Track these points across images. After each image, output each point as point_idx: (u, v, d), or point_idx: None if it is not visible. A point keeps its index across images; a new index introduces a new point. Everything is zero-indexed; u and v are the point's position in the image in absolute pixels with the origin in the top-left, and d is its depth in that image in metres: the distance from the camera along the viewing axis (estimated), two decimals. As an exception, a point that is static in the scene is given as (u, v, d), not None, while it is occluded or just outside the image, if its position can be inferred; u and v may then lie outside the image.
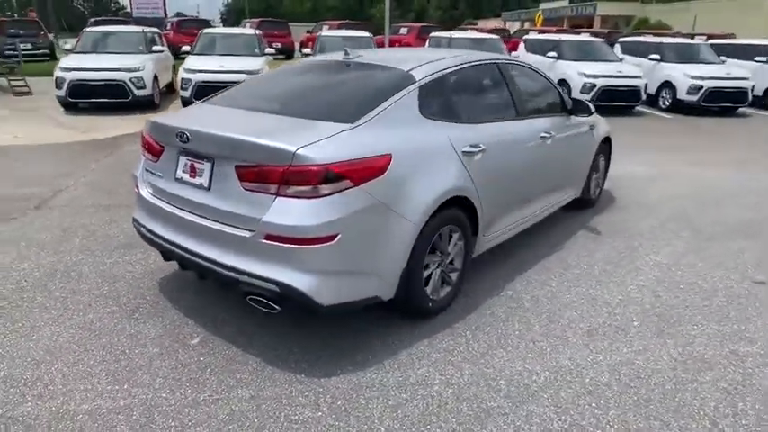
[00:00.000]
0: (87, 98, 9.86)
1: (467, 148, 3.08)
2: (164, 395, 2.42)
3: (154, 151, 2.95)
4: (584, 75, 11.21)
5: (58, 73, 9.74)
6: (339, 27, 23.11)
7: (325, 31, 17.22)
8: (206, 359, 2.68)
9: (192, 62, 10.30)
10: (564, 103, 4.32)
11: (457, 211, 3.03)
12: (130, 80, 9.76)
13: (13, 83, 12.03)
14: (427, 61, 3.24)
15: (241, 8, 60.34)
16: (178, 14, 37.58)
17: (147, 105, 10.08)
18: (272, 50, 11.85)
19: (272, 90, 3.44)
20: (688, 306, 3.37)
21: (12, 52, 15.11)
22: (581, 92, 11.00)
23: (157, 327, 2.96)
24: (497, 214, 3.51)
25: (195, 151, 2.69)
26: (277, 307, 2.52)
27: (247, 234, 2.44)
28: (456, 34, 14.27)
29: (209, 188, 2.63)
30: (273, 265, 2.40)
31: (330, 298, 2.48)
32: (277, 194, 2.38)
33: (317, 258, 2.40)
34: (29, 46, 17.11)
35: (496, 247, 3.71)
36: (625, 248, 4.25)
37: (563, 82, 11.33)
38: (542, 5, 43.32)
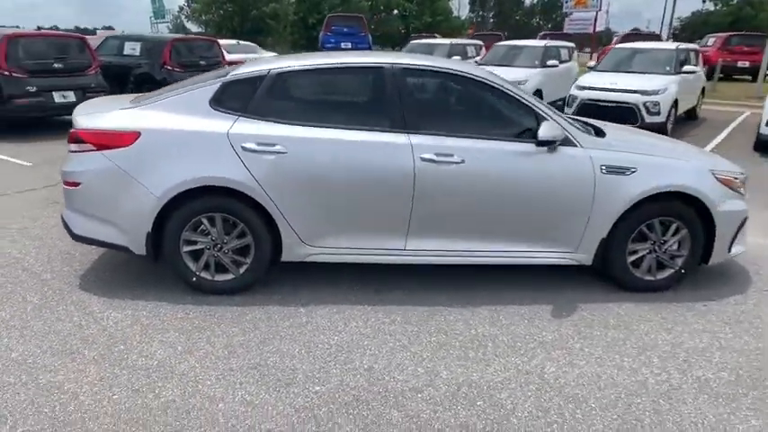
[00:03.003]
0: (596, 119, 9.62)
1: (250, 145, 3.11)
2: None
3: None
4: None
5: (572, 90, 9.48)
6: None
7: None
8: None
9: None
10: (530, 128, 3.26)
11: (230, 202, 3.15)
12: (644, 104, 8.67)
13: None
14: (258, 64, 3.40)
15: (703, 21, 54.27)
16: (605, 30, 37.01)
17: (657, 132, 8.74)
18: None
19: None
20: None
21: (331, 48, 16.87)
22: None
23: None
24: (334, 228, 3.27)
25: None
26: None
27: None
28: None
29: None
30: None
31: (79, 230, 3.26)
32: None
33: (70, 197, 3.23)
34: (348, 45, 17.33)
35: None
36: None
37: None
38: None
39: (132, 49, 10.53)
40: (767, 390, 2.64)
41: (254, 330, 2.99)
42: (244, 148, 3.12)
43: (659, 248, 3.53)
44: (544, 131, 3.14)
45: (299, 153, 3.15)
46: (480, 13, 74.33)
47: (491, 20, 74.31)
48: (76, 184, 3.18)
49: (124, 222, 3.19)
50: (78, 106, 3.58)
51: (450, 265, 3.45)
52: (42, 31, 13.16)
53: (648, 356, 2.88)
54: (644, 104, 8.76)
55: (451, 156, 3.21)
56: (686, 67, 9.51)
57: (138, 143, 3.10)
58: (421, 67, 3.38)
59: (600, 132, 3.75)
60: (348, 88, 3.40)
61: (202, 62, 10.67)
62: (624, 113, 8.83)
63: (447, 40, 13.91)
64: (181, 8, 49.50)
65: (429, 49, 13.08)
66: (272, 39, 43.55)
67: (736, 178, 3.58)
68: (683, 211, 3.45)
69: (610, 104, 9.04)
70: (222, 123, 3.16)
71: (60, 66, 7.99)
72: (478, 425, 2.32)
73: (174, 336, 2.91)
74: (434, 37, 21.17)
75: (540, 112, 3.33)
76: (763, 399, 2.57)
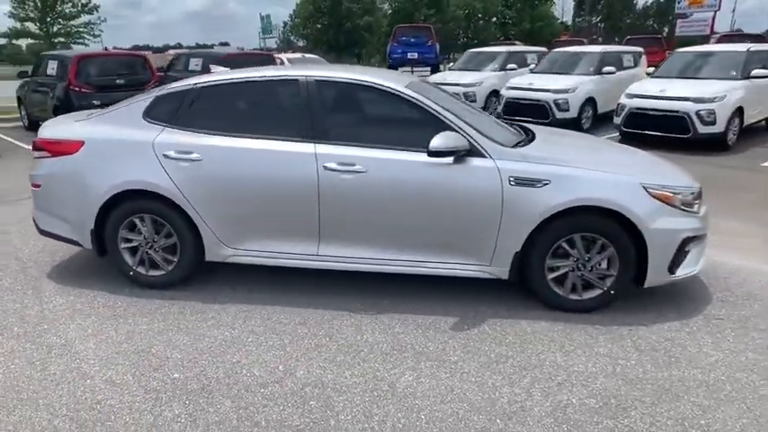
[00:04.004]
0: (645, 129, 8.47)
1: (170, 153, 3.44)
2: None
3: None
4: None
5: (621, 98, 8.86)
6: None
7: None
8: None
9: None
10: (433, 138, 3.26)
11: (157, 204, 3.50)
12: (697, 113, 7.92)
13: None
14: (188, 79, 3.74)
15: None
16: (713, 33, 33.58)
17: (715, 145, 8.15)
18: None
19: None
20: None
21: (398, 59, 17.04)
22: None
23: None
24: (250, 232, 3.51)
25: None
26: None
27: None
28: None
29: None
30: None
31: (43, 225, 3.81)
32: None
33: (35, 197, 3.78)
34: (415, 55, 17.21)
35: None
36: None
37: None
38: None
39: (52, 68, 9.60)
40: (624, 419, 2.43)
41: (160, 321, 3.30)
42: (165, 156, 3.46)
43: (583, 266, 3.33)
44: (436, 142, 3.13)
45: (214, 161, 3.43)
46: (586, 17, 70.83)
47: (600, 24, 70.46)
48: (38, 186, 3.73)
49: (74, 219, 3.67)
50: (48, 120, 4.17)
51: (387, 273, 3.50)
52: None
53: (522, 376, 2.76)
54: (696, 113, 8.03)
55: (354, 165, 3.31)
56: (757, 71, 8.51)
57: (82, 151, 3.57)
58: (333, 79, 3.52)
59: (526, 141, 3.62)
60: (265, 100, 3.61)
61: (120, 81, 9.35)
62: (674, 123, 8.24)
63: (505, 48, 13.60)
64: (285, 24, 53.01)
65: (487, 57, 12.91)
66: (366, 50, 45.08)
67: (675, 194, 3.28)
68: (607, 227, 3.23)
69: (658, 113, 8.43)
70: (150, 133, 3.53)
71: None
72: (296, 422, 2.42)
73: (91, 320, 3.31)
74: (514, 44, 20.71)
75: (448, 122, 3.31)
76: (613, 428, 2.38)
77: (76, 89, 8.53)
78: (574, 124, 9.93)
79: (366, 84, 3.46)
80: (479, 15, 53.22)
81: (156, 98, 3.64)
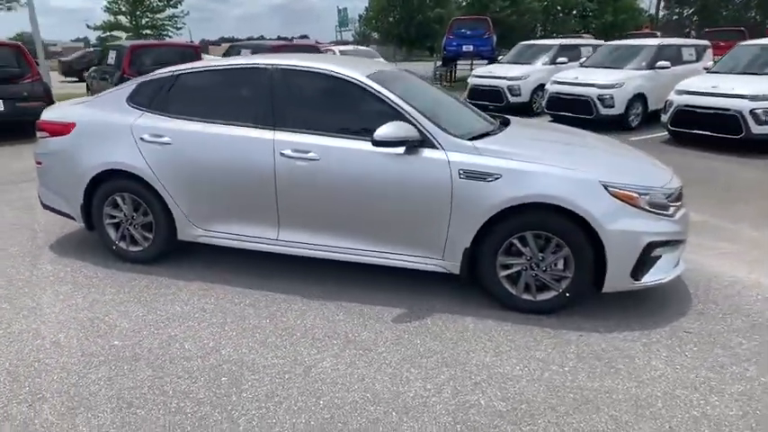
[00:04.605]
0: (693, 128, 7.97)
1: (146, 136, 3.65)
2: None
3: None
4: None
5: (670, 95, 8.35)
6: None
7: None
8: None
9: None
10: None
11: (134, 184, 3.74)
12: (751, 112, 7.30)
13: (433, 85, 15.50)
14: (170, 67, 3.90)
15: None
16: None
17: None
18: None
19: None
20: None
21: (453, 51, 16.85)
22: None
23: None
24: (215, 214, 3.67)
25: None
26: None
27: None
28: None
29: None
30: None
31: (45, 200, 4.16)
32: None
33: (38, 174, 4.13)
34: (470, 48, 17.00)
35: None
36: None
37: None
38: None
39: (112, 58, 10.03)
40: (527, 426, 2.32)
41: (126, 293, 3.53)
42: (141, 139, 3.68)
43: (537, 266, 3.18)
44: (380, 131, 3.10)
45: (182, 144, 3.60)
46: (677, 9, 65.92)
47: (693, 18, 65.32)
48: (40, 164, 4.08)
49: (68, 195, 3.99)
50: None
51: (352, 262, 3.53)
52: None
53: (440, 372, 2.70)
54: (751, 112, 7.33)
55: (308, 152, 3.36)
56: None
57: (74, 132, 3.87)
58: (297, 68, 3.56)
59: (492, 133, 3.51)
60: (233, 88, 3.71)
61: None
62: (725, 122, 7.55)
63: (557, 41, 12.99)
64: (360, 17, 53.56)
65: (538, 50, 12.45)
66: (437, 43, 44.63)
67: (641, 194, 3.05)
68: (561, 226, 3.07)
69: (708, 111, 7.77)
70: (130, 117, 3.76)
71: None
72: (200, 395, 2.52)
73: (66, 288, 3.60)
74: (581, 36, 19.77)
75: (403, 112, 3.27)
76: (507, 434, 2.28)
77: (130, 77, 9.14)
78: (620, 122, 9.41)
79: (326, 72, 3.48)
80: (558, 8, 51.10)
81: (138, 84, 3.87)
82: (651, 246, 3.06)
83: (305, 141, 3.38)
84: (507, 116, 4.20)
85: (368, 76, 3.42)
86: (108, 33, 33.23)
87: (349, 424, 2.34)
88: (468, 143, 3.23)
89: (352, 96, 3.42)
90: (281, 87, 3.52)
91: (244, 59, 3.83)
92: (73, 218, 4.06)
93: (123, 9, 31.60)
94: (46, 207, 4.22)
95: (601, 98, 9.26)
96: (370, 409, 2.44)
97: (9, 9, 27.02)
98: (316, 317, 3.24)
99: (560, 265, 3.16)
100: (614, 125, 9.50)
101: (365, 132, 3.32)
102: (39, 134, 4.07)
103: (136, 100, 3.83)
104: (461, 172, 3.14)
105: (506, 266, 3.24)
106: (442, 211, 3.20)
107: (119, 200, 3.85)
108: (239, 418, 2.38)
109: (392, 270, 3.47)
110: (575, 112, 9.66)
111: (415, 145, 3.21)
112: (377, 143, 3.12)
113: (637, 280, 3.12)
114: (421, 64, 27.11)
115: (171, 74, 3.81)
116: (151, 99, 3.79)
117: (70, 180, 3.91)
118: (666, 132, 8.76)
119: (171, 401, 2.48)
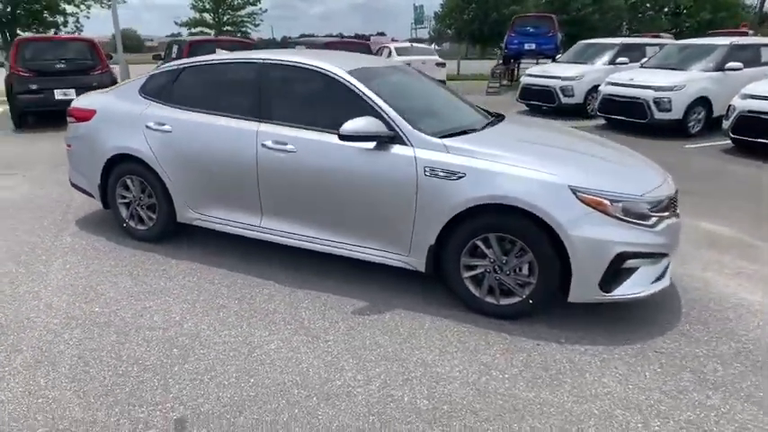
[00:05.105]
0: (758, 137, 7.40)
1: (151, 124, 3.94)
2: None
3: None
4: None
5: (734, 99, 7.80)
6: None
7: None
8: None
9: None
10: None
11: (137, 166, 4.04)
12: None
13: (491, 84, 15.44)
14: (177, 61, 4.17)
15: None
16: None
17: None
18: None
19: None
20: None
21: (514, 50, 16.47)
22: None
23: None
24: (207, 199, 3.90)
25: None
26: None
27: None
28: None
29: None
30: None
31: (73, 179, 4.59)
32: None
33: (68, 156, 4.56)
34: (532, 46, 16.35)
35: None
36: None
37: None
38: None
39: (174, 52, 10.84)
40: (439, 427, 2.31)
41: (123, 266, 3.84)
42: (147, 127, 3.97)
43: (500, 269, 3.12)
44: (347, 126, 3.14)
45: (180, 132, 3.85)
46: (789, 6, 59.91)
47: (809, 14, 59.12)
48: (69, 147, 4.50)
49: (89, 175, 4.38)
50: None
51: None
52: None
53: (377, 365, 2.74)
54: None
55: (286, 144, 3.48)
56: None
57: (95, 118, 4.24)
58: (283, 63, 3.69)
59: (470, 131, 3.47)
60: (228, 81, 3.89)
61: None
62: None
63: (619, 40, 12.25)
64: (435, 14, 53.36)
65: (598, 49, 11.87)
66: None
67: (613, 201, 2.89)
68: (525, 229, 2.98)
69: (773, 118, 7.07)
70: (140, 107, 4.06)
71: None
72: (148, 361, 2.71)
73: (76, 258, 3.97)
74: (659, 36, 18.57)
75: (377, 108, 3.31)
76: (422, 431, 2.28)
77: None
78: (678, 127, 8.80)
79: (308, 67, 3.58)
80: (648, 5, 48.09)
81: (150, 76, 4.18)
82: (622, 256, 2.90)
83: (284, 133, 3.51)
84: (502, 113, 4.12)
85: (349, 72, 3.49)
86: (192, 30, 35.48)
87: (269, 403, 2.44)
88: (438, 141, 3.21)
89: (331, 91, 3.50)
90: (268, 81, 3.67)
91: (242, 55, 4.02)
92: (93, 196, 4.46)
93: (207, 6, 33.57)
94: (73, 185, 4.65)
95: (657, 101, 8.70)
96: (294, 392, 2.52)
97: (110, 7, 29.58)
98: (281, 302, 3.37)
99: (525, 271, 3.08)
100: (671, 131, 8.90)
101: (339, 126, 3.39)
102: (69, 120, 4.49)
103: (146, 90, 4.13)
104: (427, 169, 3.14)
105: (470, 267, 3.20)
106: (407, 207, 3.21)
107: (129, 182, 4.18)
108: (173, 386, 2.55)
109: (369, 264, 3.52)
110: (628, 115, 9.15)
111: (385, 141, 3.24)
112: (343, 137, 3.18)
113: (607, 292, 2.97)
114: (492, 62, 26.57)
115: (177, 67, 4.07)
116: (159, 90, 4.08)
117: (91, 162, 4.30)
118: (729, 140, 8.08)
119: (121, 365, 2.70)
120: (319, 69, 3.54)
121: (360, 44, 12.29)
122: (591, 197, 2.90)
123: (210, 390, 2.53)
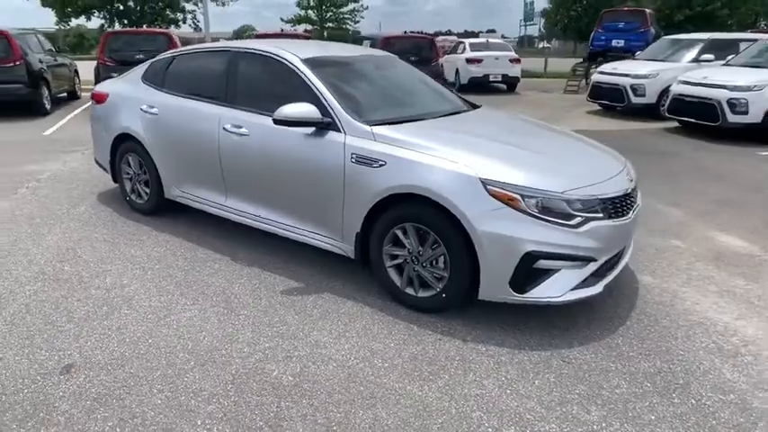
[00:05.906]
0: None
1: (144, 107, 4.34)
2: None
3: None
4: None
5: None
6: None
7: None
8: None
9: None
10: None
11: (135, 145, 4.47)
12: None
13: (570, 82, 14.86)
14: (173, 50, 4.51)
15: None
16: None
17: None
18: None
19: None
20: None
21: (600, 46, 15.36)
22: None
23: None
24: (186, 177, 4.23)
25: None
26: None
27: None
28: None
29: None
30: None
31: (95, 155, 5.16)
32: None
33: (92, 135, 5.14)
34: (621, 42, 15.27)
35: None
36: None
37: None
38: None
39: None
40: (291, 404, 2.36)
41: (107, 233, 4.28)
42: (141, 109, 4.38)
43: (416, 260, 3.07)
44: (281, 110, 3.24)
45: (164, 115, 4.21)
46: None
47: None
48: (92, 126, 5.08)
49: (103, 152, 4.92)
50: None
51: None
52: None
53: (270, 341, 2.84)
54: None
55: (241, 128, 3.68)
56: None
57: (108, 101, 4.75)
58: (250, 51, 3.89)
59: (419, 119, 3.46)
60: (208, 68, 4.14)
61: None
62: None
63: (707, 35, 10.94)
64: (544, 11, 51.25)
65: (683, 46, 10.80)
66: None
67: (526, 196, 2.73)
68: (436, 221, 2.92)
69: None
70: (140, 91, 4.49)
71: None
72: (83, 314, 3.03)
73: (75, 224, 4.49)
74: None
75: (318, 93, 3.38)
76: (256, 403, 2.35)
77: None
78: (757, 131, 7.81)
79: (268, 55, 3.75)
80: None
81: (150, 63, 4.59)
82: (532, 256, 2.73)
83: (240, 117, 3.71)
84: (478, 104, 4.00)
85: (303, 60, 3.60)
86: (296, 26, 37.33)
87: (150, 362, 2.63)
88: (367, 128, 3.21)
89: (284, 77, 3.63)
90: (236, 68, 3.90)
91: (224, 44, 4.31)
92: (105, 170, 4.99)
93: (312, 3, 35.15)
94: (96, 162, 5.24)
95: (731, 102, 7.78)
96: (179, 355, 2.70)
97: (224, 5, 32.10)
98: (222, 277, 3.57)
99: (441, 264, 3.00)
100: (747, 136, 7.92)
101: None
102: (91, 102, 5.06)
103: (146, 77, 4.55)
104: (353, 156, 3.16)
105: (393, 257, 3.18)
106: (337, 193, 3.26)
107: (130, 158, 4.63)
108: (83, 337, 2.84)
109: (324, 250, 3.56)
110: (698, 117, 8.28)
111: (323, 127, 3.31)
112: (276, 121, 3.30)
113: (520, 292, 2.82)
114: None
115: (171, 55, 4.44)
116: (155, 76, 4.48)
117: (104, 140, 4.82)
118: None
119: (53, 315, 3.06)
120: (277, 57, 3.69)
121: (424, 39, 12.33)
122: (502, 191, 2.76)
123: (110, 344, 2.79)
